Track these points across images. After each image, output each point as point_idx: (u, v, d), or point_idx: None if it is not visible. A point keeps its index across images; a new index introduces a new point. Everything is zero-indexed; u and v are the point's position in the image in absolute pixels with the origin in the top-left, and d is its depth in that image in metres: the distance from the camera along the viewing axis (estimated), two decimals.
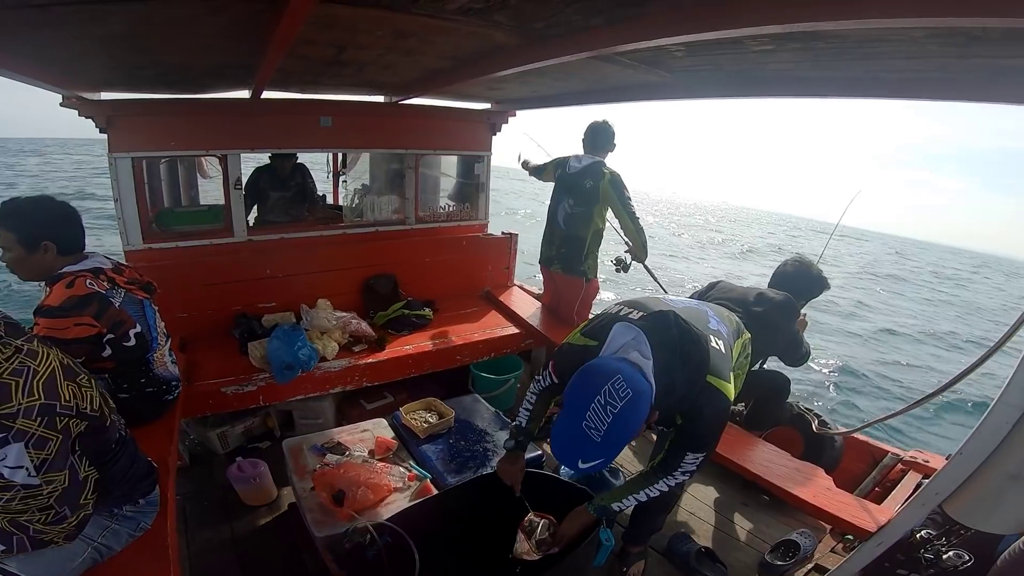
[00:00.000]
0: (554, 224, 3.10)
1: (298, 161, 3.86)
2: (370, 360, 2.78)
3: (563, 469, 2.30)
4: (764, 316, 2.14)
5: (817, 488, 2.05)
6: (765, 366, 2.72)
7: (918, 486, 2.21)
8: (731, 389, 1.34)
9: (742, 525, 2.43)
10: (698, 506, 2.51)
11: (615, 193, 2.83)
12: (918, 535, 1.91)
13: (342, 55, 2.18)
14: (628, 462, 2.79)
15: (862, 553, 1.88)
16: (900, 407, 2.16)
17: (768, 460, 2.20)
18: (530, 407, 1.70)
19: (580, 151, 3.01)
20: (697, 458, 1.38)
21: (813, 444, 2.63)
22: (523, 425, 1.69)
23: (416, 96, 3.25)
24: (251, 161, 3.72)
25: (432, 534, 1.52)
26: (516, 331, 3.26)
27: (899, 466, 2.54)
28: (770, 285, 2.39)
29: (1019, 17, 0.91)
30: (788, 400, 2.78)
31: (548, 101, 3.35)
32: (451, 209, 3.91)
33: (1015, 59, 1.34)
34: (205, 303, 2.92)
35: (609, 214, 2.97)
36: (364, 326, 2.91)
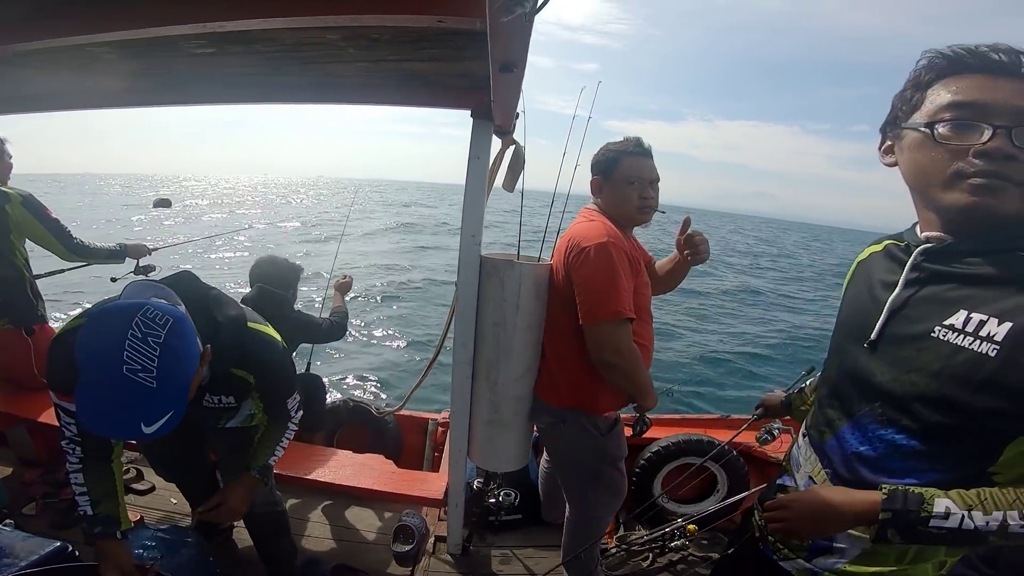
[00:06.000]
0: None
1: None
2: None
3: None
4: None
5: (383, 475, 2.19)
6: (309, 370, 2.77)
7: None
8: (275, 332, 1.43)
9: (358, 526, 2.38)
10: (310, 527, 2.34)
11: (34, 216, 2.32)
12: (475, 486, 2.19)
13: None
14: None
15: (452, 517, 2.11)
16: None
17: (336, 464, 2.25)
18: (84, 488, 1.29)
19: None
20: (296, 400, 1.54)
21: (375, 432, 2.79)
22: (89, 513, 1.28)
23: None
24: None
25: None
26: None
27: (440, 429, 2.74)
28: (252, 285, 2.35)
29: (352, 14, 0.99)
30: (343, 396, 2.93)
31: None
32: None
33: (411, 62, 1.46)
34: None
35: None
36: None
